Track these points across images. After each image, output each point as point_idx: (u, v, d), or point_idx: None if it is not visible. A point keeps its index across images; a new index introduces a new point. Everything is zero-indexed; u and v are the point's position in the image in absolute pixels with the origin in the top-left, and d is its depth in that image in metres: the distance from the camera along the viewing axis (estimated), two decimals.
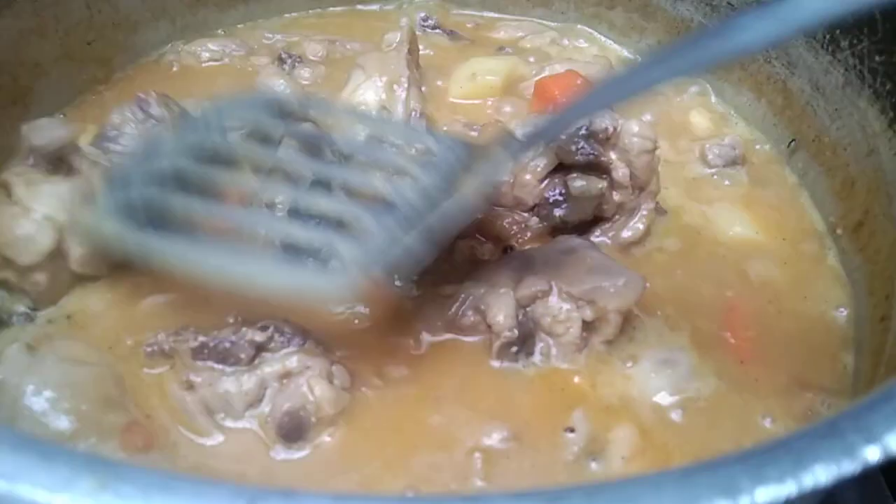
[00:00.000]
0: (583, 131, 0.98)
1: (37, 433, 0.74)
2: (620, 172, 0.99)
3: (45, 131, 0.93)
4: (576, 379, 0.88)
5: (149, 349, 0.85)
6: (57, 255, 0.90)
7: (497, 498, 0.49)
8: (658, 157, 1.01)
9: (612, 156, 0.99)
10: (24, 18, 1.07)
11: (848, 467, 0.48)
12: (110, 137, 1.04)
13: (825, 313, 0.99)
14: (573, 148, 0.98)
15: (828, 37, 1.06)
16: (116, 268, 0.93)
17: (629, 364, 0.90)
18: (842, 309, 1.00)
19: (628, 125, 0.99)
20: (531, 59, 1.32)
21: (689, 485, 0.47)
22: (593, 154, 0.98)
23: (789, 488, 0.46)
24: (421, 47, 1.28)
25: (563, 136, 0.98)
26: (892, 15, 0.95)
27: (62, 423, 0.76)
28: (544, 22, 1.43)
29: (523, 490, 0.49)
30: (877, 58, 0.97)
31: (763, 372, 0.91)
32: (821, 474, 0.47)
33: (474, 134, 1.16)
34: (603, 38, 1.40)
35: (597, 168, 0.99)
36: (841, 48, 1.03)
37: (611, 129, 0.98)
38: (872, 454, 0.49)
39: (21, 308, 0.91)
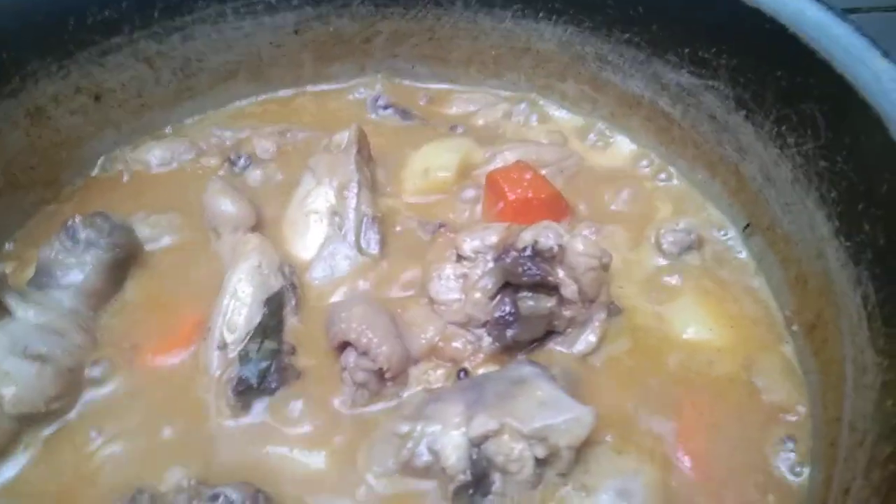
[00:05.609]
0: (528, 252, 0.97)
1: None
2: (569, 290, 0.98)
3: None
4: None
5: None
6: None
7: None
8: (607, 267, 1.01)
9: (560, 273, 0.98)
10: None
11: None
12: (46, 272, 1.03)
13: (782, 414, 0.99)
14: (520, 269, 0.97)
15: (774, 130, 1.03)
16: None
17: (583, 495, 0.90)
18: (799, 407, 0.99)
19: (573, 243, 0.98)
20: (484, 141, 1.29)
21: None
22: (540, 274, 0.97)
23: None
24: (372, 134, 1.26)
25: (508, 258, 0.98)
26: (835, 123, 0.92)
27: None
28: (498, 92, 1.40)
29: None
30: (821, 163, 0.95)
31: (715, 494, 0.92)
32: None
33: (426, 238, 1.15)
34: (556, 109, 1.36)
35: (545, 286, 0.99)
36: (788, 144, 1.00)
37: (556, 248, 0.97)
38: None
39: None
